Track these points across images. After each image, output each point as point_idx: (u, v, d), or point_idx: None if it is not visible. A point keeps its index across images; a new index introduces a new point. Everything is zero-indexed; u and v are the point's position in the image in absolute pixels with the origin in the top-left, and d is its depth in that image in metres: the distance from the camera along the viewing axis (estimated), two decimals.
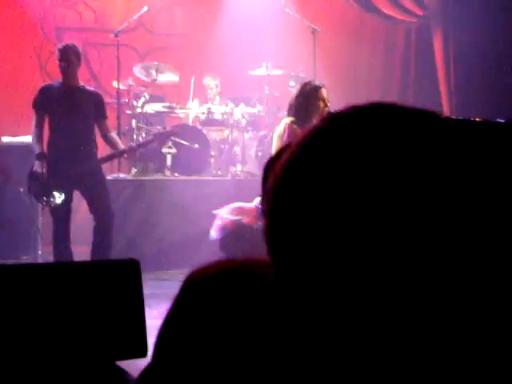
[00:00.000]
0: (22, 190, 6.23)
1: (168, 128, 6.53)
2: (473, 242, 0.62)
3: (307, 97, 5.05)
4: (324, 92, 5.17)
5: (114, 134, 6.28)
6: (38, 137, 6.02)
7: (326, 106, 5.06)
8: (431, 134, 0.65)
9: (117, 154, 6.21)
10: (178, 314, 1.07)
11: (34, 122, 6.06)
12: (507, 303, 0.63)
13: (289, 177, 0.67)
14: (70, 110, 6.03)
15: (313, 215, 0.64)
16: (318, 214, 0.64)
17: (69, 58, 6.03)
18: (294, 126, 5.00)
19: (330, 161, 0.65)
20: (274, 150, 5.24)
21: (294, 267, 0.66)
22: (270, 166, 0.71)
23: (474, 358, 0.62)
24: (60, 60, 6.05)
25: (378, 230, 0.62)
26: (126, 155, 6.25)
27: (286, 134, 5.02)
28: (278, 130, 5.26)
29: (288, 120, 5.09)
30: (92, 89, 6.33)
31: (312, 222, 0.64)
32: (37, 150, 5.99)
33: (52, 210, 6.13)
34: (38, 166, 5.96)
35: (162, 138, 6.50)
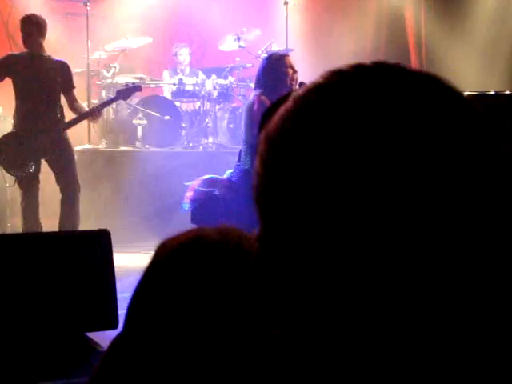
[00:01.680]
0: None
1: (131, 85, 6.38)
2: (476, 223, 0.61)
3: (273, 67, 5.02)
4: (290, 59, 5.14)
5: (80, 103, 6.17)
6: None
7: (294, 72, 5.04)
8: (434, 98, 0.63)
9: (82, 116, 6.07)
10: (149, 282, 1.06)
11: None
12: (507, 300, 0.61)
13: (287, 130, 0.65)
14: (34, 78, 5.94)
15: (311, 176, 0.62)
16: (316, 175, 0.61)
17: (29, 29, 5.95)
18: (263, 97, 4.97)
19: (331, 118, 0.62)
20: (243, 124, 5.21)
21: (285, 231, 0.64)
22: (268, 115, 0.69)
23: (474, 358, 0.61)
24: (21, 31, 6.00)
25: (378, 196, 0.60)
26: (91, 117, 6.09)
27: (255, 107, 4.99)
28: (247, 103, 5.23)
29: (257, 92, 5.06)
30: (58, 59, 6.23)
31: (310, 184, 0.62)
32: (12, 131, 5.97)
33: (20, 181, 6.06)
34: (19, 152, 5.93)
35: (125, 94, 6.28)
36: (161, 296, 1.02)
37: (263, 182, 0.66)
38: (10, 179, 6.48)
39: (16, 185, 6.23)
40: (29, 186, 6.07)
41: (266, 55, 7.84)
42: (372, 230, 0.60)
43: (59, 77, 6.01)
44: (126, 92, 6.26)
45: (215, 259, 1.01)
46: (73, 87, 6.11)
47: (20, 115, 5.99)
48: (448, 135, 0.61)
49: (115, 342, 1.11)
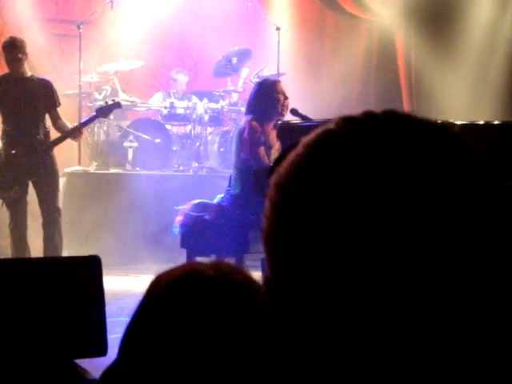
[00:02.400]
0: None
1: (110, 103, 6.38)
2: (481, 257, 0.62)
3: (265, 93, 5.05)
4: (281, 85, 5.18)
5: (64, 122, 6.15)
6: None
7: (286, 98, 5.07)
8: (443, 150, 0.64)
9: (63, 136, 6.07)
10: (144, 316, 1.06)
11: None
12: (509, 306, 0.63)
13: (297, 176, 0.66)
14: (18, 100, 5.97)
15: (320, 222, 0.63)
16: (325, 221, 0.63)
17: (12, 54, 5.97)
18: (254, 123, 5.00)
19: (341, 166, 0.64)
20: (233, 149, 5.23)
21: (294, 274, 0.65)
22: (279, 161, 0.70)
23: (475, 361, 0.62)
24: (4, 55, 6.05)
25: (389, 243, 0.61)
26: (72, 136, 6.09)
27: (246, 132, 5.02)
28: (238, 128, 5.26)
29: (248, 117, 5.09)
30: (41, 77, 6.25)
31: (319, 230, 0.63)
32: None
33: (7, 203, 6.05)
34: (4, 176, 5.94)
35: (105, 112, 6.29)
36: (156, 330, 1.02)
37: (273, 226, 0.67)
38: None
39: (4, 206, 6.21)
40: (16, 207, 6.06)
41: (257, 80, 7.92)
42: (379, 279, 0.61)
43: (42, 95, 6.03)
44: (105, 109, 6.28)
45: (210, 294, 1.01)
46: (56, 105, 6.11)
47: (5, 137, 6.01)
48: (456, 188, 0.63)
49: (108, 371, 1.11)
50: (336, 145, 0.65)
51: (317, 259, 0.63)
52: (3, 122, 6.04)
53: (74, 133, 6.06)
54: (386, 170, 0.62)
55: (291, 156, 0.68)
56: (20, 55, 5.96)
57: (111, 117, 7.36)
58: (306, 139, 0.68)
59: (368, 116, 0.67)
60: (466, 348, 0.61)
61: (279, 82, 5.36)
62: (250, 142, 4.98)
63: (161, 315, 1.03)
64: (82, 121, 6.26)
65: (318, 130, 0.68)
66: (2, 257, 7.15)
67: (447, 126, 0.68)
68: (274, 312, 0.68)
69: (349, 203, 0.62)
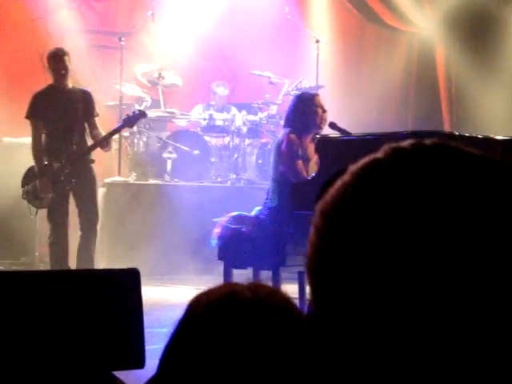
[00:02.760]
0: (21, 190, 6.23)
1: (137, 112, 6.47)
2: None
3: (303, 107, 5.06)
4: (320, 98, 5.18)
5: (99, 131, 6.23)
6: (39, 149, 6.09)
7: (324, 111, 5.07)
8: (493, 186, 0.64)
9: (93, 145, 6.16)
10: (184, 336, 1.08)
11: (33, 133, 6.12)
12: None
13: (344, 204, 0.67)
14: (59, 111, 6.09)
15: (364, 249, 0.64)
16: (370, 249, 0.63)
17: (65, 63, 6.11)
18: (292, 136, 5.01)
19: (388, 195, 0.64)
20: (271, 161, 5.25)
21: (338, 298, 0.66)
22: (326, 188, 0.71)
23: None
24: (50, 66, 6.18)
25: (432, 277, 0.62)
26: (101, 146, 6.18)
27: (284, 145, 5.03)
28: (276, 141, 5.27)
29: (286, 130, 5.10)
30: (82, 88, 6.39)
31: (364, 257, 0.64)
32: (38, 165, 6.09)
33: (50, 212, 6.14)
34: (40, 184, 6.06)
35: (131, 121, 6.38)
36: (194, 351, 1.03)
37: (317, 252, 0.68)
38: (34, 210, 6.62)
39: (43, 215, 6.33)
40: (58, 217, 6.13)
41: (296, 93, 7.94)
42: (420, 307, 0.62)
43: (82, 106, 6.15)
44: (131, 119, 6.35)
45: (247, 317, 1.02)
46: (94, 115, 6.22)
47: (45, 147, 6.11)
48: (504, 222, 0.63)
49: None
50: (383, 175, 0.66)
51: (358, 286, 0.64)
52: (45, 132, 6.14)
53: (102, 143, 6.14)
54: (432, 203, 0.62)
55: (338, 184, 0.68)
56: (64, 67, 6.08)
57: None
58: (353, 167, 0.69)
59: (416, 147, 0.67)
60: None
61: (318, 95, 5.37)
62: (288, 154, 4.98)
63: (199, 337, 1.04)
64: (109, 132, 6.31)
65: (366, 159, 0.68)
66: (42, 265, 7.29)
67: (496, 160, 0.67)
68: (314, 335, 0.69)
69: (393, 234, 0.63)
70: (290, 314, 1.05)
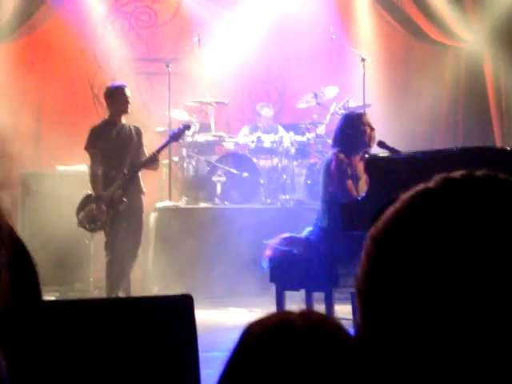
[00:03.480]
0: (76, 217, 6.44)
1: (181, 127, 6.88)
2: None
3: (351, 126, 5.06)
4: (367, 117, 5.17)
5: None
6: (97, 177, 6.44)
7: (372, 130, 5.06)
8: None
9: (142, 164, 6.49)
10: (237, 366, 1.08)
11: (91, 163, 6.47)
12: None
13: (392, 229, 0.69)
14: (118, 146, 6.45)
15: (412, 274, 0.65)
16: (417, 273, 0.65)
17: (128, 99, 6.49)
18: (341, 156, 5.01)
19: (437, 225, 0.66)
20: (321, 181, 5.25)
21: (386, 319, 0.68)
22: (381, 213, 0.72)
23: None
24: (128, 100, 6.48)
25: (477, 306, 0.63)
26: (150, 163, 6.51)
27: (333, 165, 5.02)
28: (325, 161, 5.27)
29: (335, 150, 5.10)
30: (133, 125, 6.69)
31: (411, 280, 0.66)
32: (95, 191, 6.42)
33: (109, 242, 6.40)
34: (97, 207, 6.37)
35: (177, 135, 6.79)
36: (249, 380, 1.04)
37: (366, 275, 0.70)
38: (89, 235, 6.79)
39: (97, 242, 6.52)
40: (112, 241, 6.36)
41: (343, 112, 7.94)
42: (461, 328, 0.63)
43: (135, 139, 6.53)
44: (176, 133, 6.76)
45: (300, 346, 1.03)
46: (143, 146, 6.62)
47: (102, 176, 6.40)
48: None
49: None
50: (432, 204, 0.67)
51: (405, 310, 0.65)
52: (102, 163, 6.44)
53: (151, 159, 6.46)
54: (480, 235, 0.63)
55: (389, 211, 0.70)
56: (128, 103, 6.47)
57: (188, 150, 7.51)
58: (405, 195, 0.70)
59: (467, 178, 0.68)
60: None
61: (365, 113, 5.37)
62: (337, 174, 4.98)
63: (252, 367, 1.05)
64: (157, 148, 6.65)
65: (418, 188, 0.70)
66: (97, 290, 7.40)
67: None
68: (363, 358, 0.70)
69: (439, 261, 0.64)
70: (343, 341, 1.05)
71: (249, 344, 1.08)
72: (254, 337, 1.08)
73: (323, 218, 5.07)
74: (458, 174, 0.69)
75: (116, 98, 6.43)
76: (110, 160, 6.41)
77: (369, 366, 0.70)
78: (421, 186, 0.70)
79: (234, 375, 1.08)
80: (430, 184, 0.70)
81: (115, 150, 6.41)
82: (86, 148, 6.47)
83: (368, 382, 0.71)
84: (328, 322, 1.09)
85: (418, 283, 0.65)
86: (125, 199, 6.35)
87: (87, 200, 6.48)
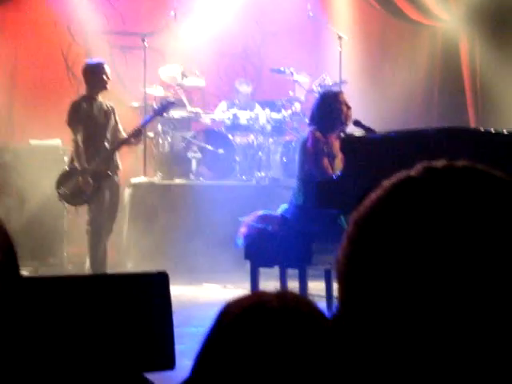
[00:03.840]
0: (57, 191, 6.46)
1: (165, 102, 6.96)
2: None
3: (328, 104, 5.07)
4: (344, 96, 5.18)
5: (123, 133, 6.66)
6: (80, 151, 6.43)
7: (348, 108, 5.08)
8: None
9: (124, 139, 6.53)
10: (214, 345, 1.10)
11: (74, 138, 6.44)
12: None
13: (373, 214, 0.71)
14: (98, 120, 6.47)
15: (391, 256, 0.68)
16: (396, 256, 0.67)
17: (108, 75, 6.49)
18: (317, 134, 5.02)
19: (415, 209, 0.68)
20: (297, 160, 5.26)
21: (365, 298, 0.70)
22: (363, 198, 0.75)
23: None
24: (108, 77, 6.50)
25: (452, 287, 0.65)
26: (133, 139, 6.57)
27: (309, 143, 5.04)
28: (302, 139, 5.28)
29: (311, 128, 5.11)
30: (108, 102, 6.69)
31: (389, 263, 0.68)
32: (80, 164, 6.40)
33: (90, 205, 6.44)
34: (83, 180, 6.37)
35: (162, 110, 6.84)
36: (225, 360, 1.06)
37: (347, 257, 0.72)
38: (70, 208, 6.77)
39: (71, 217, 6.51)
40: (95, 211, 6.43)
41: (321, 90, 7.95)
42: (436, 306, 0.65)
43: (113, 116, 6.57)
44: (161, 109, 6.85)
45: (275, 326, 1.05)
46: (118, 124, 6.67)
47: (84, 153, 6.42)
48: None
49: None
50: (413, 191, 0.70)
51: (382, 290, 0.68)
52: (83, 138, 6.44)
53: (136, 134, 6.53)
54: (457, 223, 0.66)
55: (371, 197, 0.72)
56: (107, 80, 6.48)
57: (162, 126, 7.50)
58: (386, 182, 0.73)
59: (447, 167, 0.71)
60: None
61: (342, 92, 5.38)
62: (313, 152, 4.99)
63: (229, 347, 1.07)
64: (142, 123, 6.76)
65: (399, 175, 0.72)
66: (71, 265, 7.38)
67: None
68: (341, 334, 0.72)
69: (416, 245, 0.66)
70: (317, 321, 1.07)
71: (225, 324, 1.10)
72: (230, 317, 1.10)
73: (298, 195, 5.09)
74: (438, 163, 0.72)
75: (96, 74, 6.41)
76: (90, 135, 6.40)
77: (345, 345, 0.72)
78: (402, 174, 0.72)
79: (210, 354, 1.09)
80: (412, 172, 0.72)
81: (96, 126, 6.43)
82: (69, 123, 6.46)
83: (342, 361, 0.73)
84: (303, 303, 1.10)
85: (396, 267, 0.67)
86: (110, 173, 6.41)
87: (69, 173, 6.44)
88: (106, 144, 6.45)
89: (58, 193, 6.45)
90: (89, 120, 6.42)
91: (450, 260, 0.65)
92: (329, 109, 5.05)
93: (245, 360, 1.04)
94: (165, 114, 7.37)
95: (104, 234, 6.42)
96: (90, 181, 6.34)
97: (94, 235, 6.38)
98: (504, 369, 0.65)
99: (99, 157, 6.40)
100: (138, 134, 6.55)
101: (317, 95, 8.16)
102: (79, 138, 6.37)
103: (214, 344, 1.10)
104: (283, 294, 1.11)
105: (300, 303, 1.10)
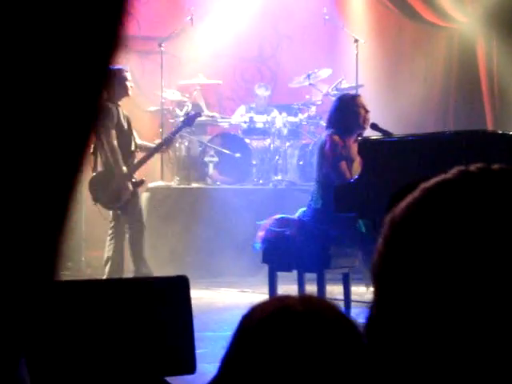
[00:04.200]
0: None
1: (192, 113, 7.21)
2: None
3: (345, 107, 5.07)
4: (362, 99, 5.17)
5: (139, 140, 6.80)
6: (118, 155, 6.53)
7: (366, 112, 5.07)
8: None
9: (157, 148, 6.74)
10: (239, 351, 1.10)
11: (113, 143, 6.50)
12: None
13: (412, 217, 0.72)
14: (127, 128, 6.62)
15: (426, 258, 0.68)
16: (431, 258, 0.68)
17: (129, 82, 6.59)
18: (335, 137, 5.02)
19: (452, 213, 0.69)
20: (315, 163, 5.26)
21: (400, 301, 0.71)
22: (396, 199, 0.76)
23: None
24: (131, 84, 6.62)
25: (486, 290, 0.66)
26: (164, 146, 6.83)
27: (327, 146, 5.03)
28: (319, 142, 5.28)
29: (329, 131, 5.11)
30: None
31: (425, 265, 0.69)
32: (120, 168, 6.50)
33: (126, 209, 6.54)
34: (123, 186, 6.52)
35: (190, 121, 7.03)
36: (249, 365, 1.06)
37: (381, 258, 0.73)
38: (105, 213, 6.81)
39: (88, 222, 6.57)
40: (118, 221, 6.56)
41: (337, 94, 7.94)
42: (473, 311, 0.66)
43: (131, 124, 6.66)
44: (190, 119, 7.05)
45: (300, 330, 1.05)
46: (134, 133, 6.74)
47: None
48: None
49: None
50: (449, 193, 0.71)
51: (417, 288, 0.68)
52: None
53: (167, 143, 6.85)
54: (494, 226, 0.66)
55: (408, 198, 0.73)
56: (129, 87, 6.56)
57: (191, 128, 7.59)
58: (424, 184, 0.74)
59: (482, 170, 0.71)
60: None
61: (359, 95, 5.37)
62: (331, 156, 4.99)
63: (253, 352, 1.07)
64: (172, 131, 7.04)
65: (437, 178, 0.73)
66: (89, 269, 7.41)
67: None
68: (376, 338, 0.73)
69: (453, 247, 0.67)
70: (342, 325, 1.08)
71: (249, 329, 1.10)
72: (254, 322, 1.10)
73: (317, 199, 5.08)
74: (474, 166, 0.73)
75: (120, 80, 6.46)
76: (120, 141, 6.50)
77: (379, 348, 0.73)
78: (439, 177, 0.74)
79: (236, 359, 1.10)
80: (448, 175, 0.73)
81: (123, 132, 6.53)
82: (100, 126, 6.48)
83: (375, 365, 0.74)
84: (327, 306, 1.11)
85: (431, 269, 0.68)
86: (144, 179, 6.63)
87: (105, 177, 6.49)
88: (133, 149, 6.58)
89: (95, 196, 6.52)
90: (118, 126, 6.51)
91: (485, 263, 0.65)
92: (346, 112, 5.04)
93: (270, 364, 1.05)
94: (182, 118, 7.45)
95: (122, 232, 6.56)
96: (129, 186, 6.46)
97: (141, 237, 6.54)
98: None
99: (132, 163, 6.54)
100: (169, 142, 6.86)
101: (333, 98, 8.22)
102: (115, 142, 6.43)
103: (239, 349, 1.11)
104: (307, 298, 1.12)
105: (324, 307, 1.10)
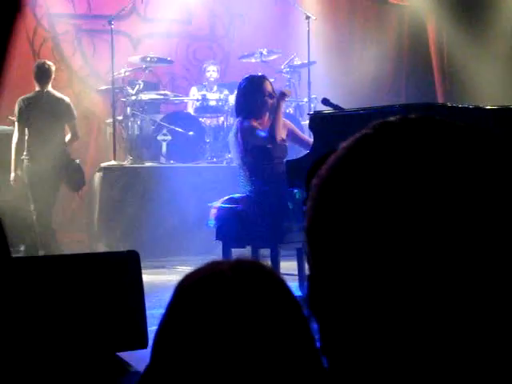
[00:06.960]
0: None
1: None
2: None
3: (250, 92, 5.10)
4: (267, 84, 5.20)
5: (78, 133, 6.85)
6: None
7: (272, 95, 5.11)
8: (480, 156, 0.67)
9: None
10: (172, 318, 1.10)
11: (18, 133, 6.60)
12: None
13: (333, 175, 0.70)
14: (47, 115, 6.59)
15: (355, 217, 0.67)
16: (360, 216, 0.66)
17: (44, 78, 6.66)
18: (245, 124, 5.03)
19: (374, 167, 0.67)
20: (232, 152, 5.27)
21: (332, 265, 0.69)
22: (315, 169, 0.74)
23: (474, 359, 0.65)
24: (35, 75, 6.67)
25: (416, 243, 0.64)
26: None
27: (239, 134, 5.05)
28: (232, 130, 5.26)
29: (238, 118, 5.13)
30: (60, 94, 6.79)
31: (354, 224, 0.67)
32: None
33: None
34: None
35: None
36: (181, 334, 1.06)
37: (312, 220, 0.72)
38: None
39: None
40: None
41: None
42: (405, 269, 0.65)
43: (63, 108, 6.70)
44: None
45: (229, 295, 1.05)
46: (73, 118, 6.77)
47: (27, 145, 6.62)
48: (491, 200, 0.65)
49: (143, 376, 1.15)
50: (370, 148, 0.69)
51: (348, 248, 0.67)
52: (29, 133, 6.57)
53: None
54: (417, 175, 0.65)
55: (331, 158, 0.72)
56: (48, 80, 6.62)
57: (132, 108, 7.50)
58: (345, 143, 0.72)
59: (403, 120, 0.70)
60: (465, 346, 0.64)
61: (266, 78, 5.40)
62: (246, 141, 5.02)
63: (183, 316, 1.07)
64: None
65: (357, 134, 0.71)
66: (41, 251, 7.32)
67: (483, 130, 0.69)
68: (313, 294, 0.72)
69: (379, 202, 0.66)
70: (275, 287, 1.07)
71: (181, 294, 1.10)
72: (186, 288, 1.10)
73: (246, 184, 5.07)
74: (394, 117, 0.71)
75: (42, 74, 6.62)
76: (38, 130, 6.58)
77: (316, 319, 0.72)
78: (360, 132, 0.72)
79: (168, 325, 1.09)
80: (368, 130, 0.71)
81: (43, 120, 6.63)
82: (17, 120, 6.62)
83: (315, 314, 0.73)
84: (258, 270, 1.10)
85: (357, 228, 0.66)
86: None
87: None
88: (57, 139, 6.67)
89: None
90: (37, 116, 6.62)
91: (408, 212, 0.64)
92: (249, 96, 5.09)
93: (201, 331, 1.04)
94: (124, 99, 7.35)
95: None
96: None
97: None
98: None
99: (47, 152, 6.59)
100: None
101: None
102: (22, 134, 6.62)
103: (171, 314, 1.10)
104: (238, 263, 1.11)
105: (256, 271, 1.09)
